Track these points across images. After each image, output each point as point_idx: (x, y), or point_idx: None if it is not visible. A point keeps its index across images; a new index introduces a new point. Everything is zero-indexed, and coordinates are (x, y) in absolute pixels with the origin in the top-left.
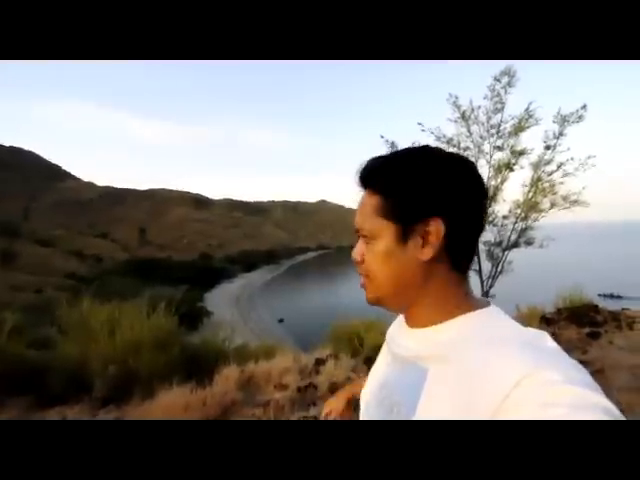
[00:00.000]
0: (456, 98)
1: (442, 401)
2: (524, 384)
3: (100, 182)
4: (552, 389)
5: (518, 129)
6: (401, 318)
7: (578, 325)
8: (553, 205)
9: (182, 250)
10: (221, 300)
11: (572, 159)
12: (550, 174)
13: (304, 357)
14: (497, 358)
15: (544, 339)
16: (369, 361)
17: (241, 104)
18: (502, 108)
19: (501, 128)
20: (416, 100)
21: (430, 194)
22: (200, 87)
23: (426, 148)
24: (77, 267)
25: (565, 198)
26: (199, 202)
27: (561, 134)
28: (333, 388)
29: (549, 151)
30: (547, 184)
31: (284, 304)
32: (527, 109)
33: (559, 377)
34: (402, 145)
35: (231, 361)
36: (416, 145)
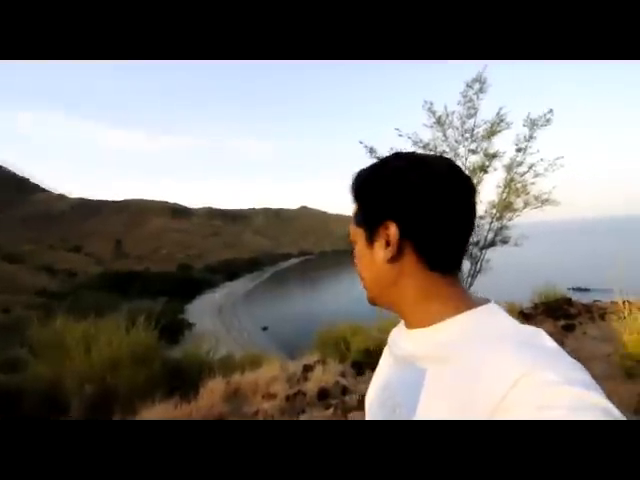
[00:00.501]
0: (431, 104)
1: (440, 401)
2: (521, 385)
3: (72, 194)
4: (549, 390)
5: (490, 133)
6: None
7: (554, 318)
8: (526, 204)
9: (160, 261)
10: (203, 311)
11: (542, 160)
12: (522, 175)
13: (291, 365)
14: (494, 357)
15: (542, 337)
16: (357, 365)
17: (219, 111)
18: (475, 113)
19: (475, 132)
20: (395, 106)
21: (382, 199)
22: (175, 95)
23: (396, 155)
24: (48, 283)
25: (537, 198)
26: (177, 211)
27: (531, 137)
28: (323, 394)
29: (520, 153)
30: (520, 185)
31: (268, 312)
32: (498, 114)
33: (557, 377)
34: (381, 150)
35: (216, 373)
36: (393, 152)
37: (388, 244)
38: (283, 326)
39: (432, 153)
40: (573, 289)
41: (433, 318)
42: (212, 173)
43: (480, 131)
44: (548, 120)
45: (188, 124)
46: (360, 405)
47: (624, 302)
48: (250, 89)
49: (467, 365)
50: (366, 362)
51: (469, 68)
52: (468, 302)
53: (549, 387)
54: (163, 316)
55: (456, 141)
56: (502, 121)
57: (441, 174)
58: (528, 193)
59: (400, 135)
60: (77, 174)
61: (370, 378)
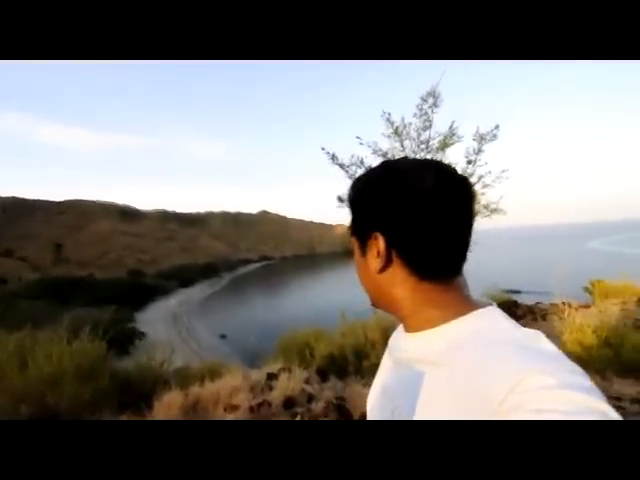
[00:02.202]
0: (389, 115)
1: (439, 404)
2: (519, 389)
3: (3, 193)
4: (546, 394)
5: (444, 145)
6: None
7: None
8: (477, 213)
9: (107, 267)
10: (156, 319)
11: (490, 173)
12: (473, 186)
13: (254, 373)
14: (492, 361)
15: (541, 341)
16: (321, 371)
17: (173, 111)
18: (430, 126)
19: (430, 144)
20: (356, 113)
21: (368, 211)
22: (124, 92)
23: (381, 164)
24: None
25: (486, 207)
26: (127, 214)
27: (480, 150)
28: (288, 403)
29: (470, 165)
30: None
31: (227, 319)
32: (451, 127)
33: (555, 381)
34: (342, 157)
35: (172, 385)
36: (387, 159)
37: (378, 254)
38: (243, 334)
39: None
40: (507, 291)
41: (431, 322)
42: (167, 175)
43: (435, 143)
44: (494, 135)
45: (138, 123)
46: (326, 412)
47: (564, 303)
48: (210, 90)
49: (465, 369)
50: (331, 368)
51: (425, 81)
52: (467, 306)
53: (547, 391)
54: (111, 325)
55: (413, 152)
56: (454, 134)
57: (423, 182)
58: (478, 203)
59: (361, 143)
60: (11, 171)
61: (335, 384)
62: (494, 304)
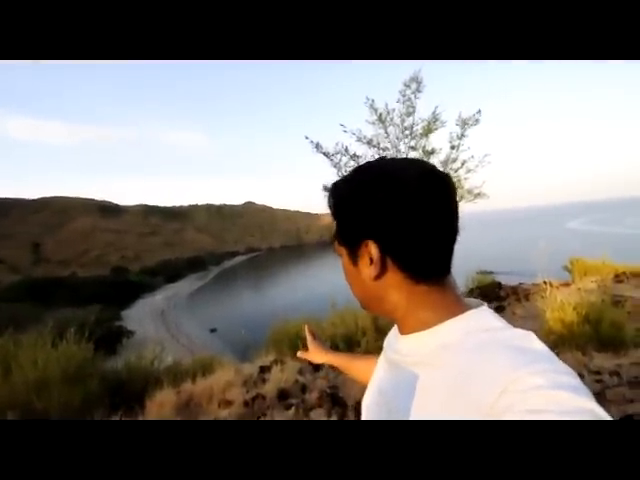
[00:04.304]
0: (372, 101)
1: (433, 406)
2: (510, 390)
3: None
4: (538, 395)
5: (427, 131)
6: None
7: (487, 301)
8: (461, 198)
9: (89, 265)
10: (143, 316)
11: (472, 157)
12: (456, 171)
13: (246, 367)
14: (484, 362)
15: (531, 341)
16: None
17: (153, 101)
18: (413, 111)
19: (413, 130)
20: (340, 101)
21: (357, 219)
22: (101, 83)
23: (361, 168)
24: None
25: (470, 192)
26: (106, 210)
27: (463, 135)
28: (282, 395)
29: (454, 150)
30: (455, 180)
31: (216, 313)
32: (434, 112)
33: (545, 382)
34: (326, 146)
35: (164, 383)
36: (371, 160)
37: (372, 261)
38: (233, 327)
39: (375, 149)
40: (481, 272)
41: (425, 324)
42: (147, 168)
43: (418, 129)
44: (477, 120)
45: (115, 114)
46: (320, 402)
47: (545, 282)
48: (190, 82)
49: (458, 370)
50: None
51: (407, 68)
52: (459, 307)
53: (538, 391)
54: (97, 325)
55: (397, 138)
56: (437, 120)
57: (409, 184)
58: (462, 187)
59: (345, 131)
60: None
61: (328, 373)
62: (485, 304)
